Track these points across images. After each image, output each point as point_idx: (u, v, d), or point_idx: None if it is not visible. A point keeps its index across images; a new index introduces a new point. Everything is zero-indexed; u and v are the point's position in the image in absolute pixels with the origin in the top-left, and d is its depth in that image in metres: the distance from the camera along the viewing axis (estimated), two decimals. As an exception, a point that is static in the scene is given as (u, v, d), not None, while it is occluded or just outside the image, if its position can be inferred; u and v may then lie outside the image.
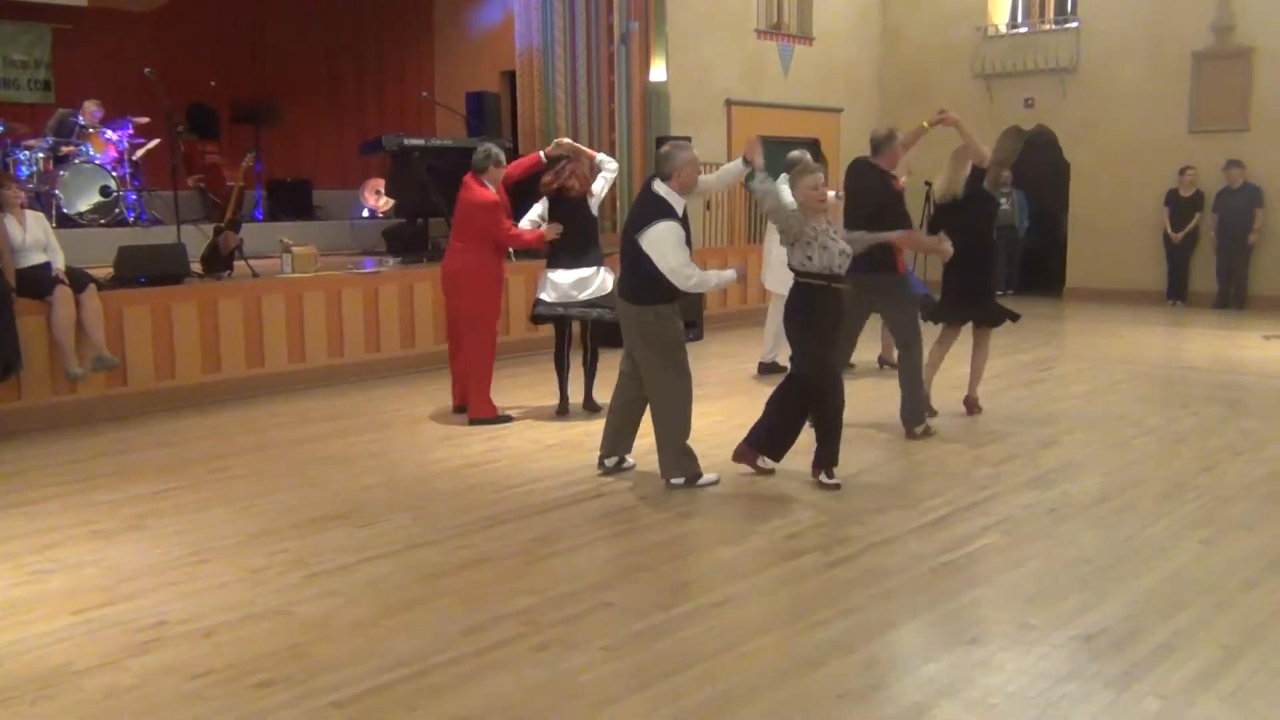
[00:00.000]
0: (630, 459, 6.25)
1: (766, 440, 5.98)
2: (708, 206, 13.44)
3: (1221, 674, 3.63)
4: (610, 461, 6.21)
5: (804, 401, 5.90)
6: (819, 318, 5.79)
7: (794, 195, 5.99)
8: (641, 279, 5.74)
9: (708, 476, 5.92)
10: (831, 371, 5.90)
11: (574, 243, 7.41)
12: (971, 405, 7.63)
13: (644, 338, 5.86)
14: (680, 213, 5.76)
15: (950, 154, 7.40)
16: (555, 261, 7.48)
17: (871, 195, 7.17)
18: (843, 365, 6.01)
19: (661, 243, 5.64)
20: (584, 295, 7.41)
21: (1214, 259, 13.71)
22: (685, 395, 5.90)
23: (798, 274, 5.79)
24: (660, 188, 5.76)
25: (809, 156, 8.91)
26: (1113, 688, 3.54)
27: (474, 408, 7.51)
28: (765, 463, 6.04)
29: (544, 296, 7.50)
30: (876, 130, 7.46)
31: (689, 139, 12.47)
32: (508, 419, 7.57)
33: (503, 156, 7.56)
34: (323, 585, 4.54)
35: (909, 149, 7.44)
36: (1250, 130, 13.52)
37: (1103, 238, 14.71)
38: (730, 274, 5.87)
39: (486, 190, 7.44)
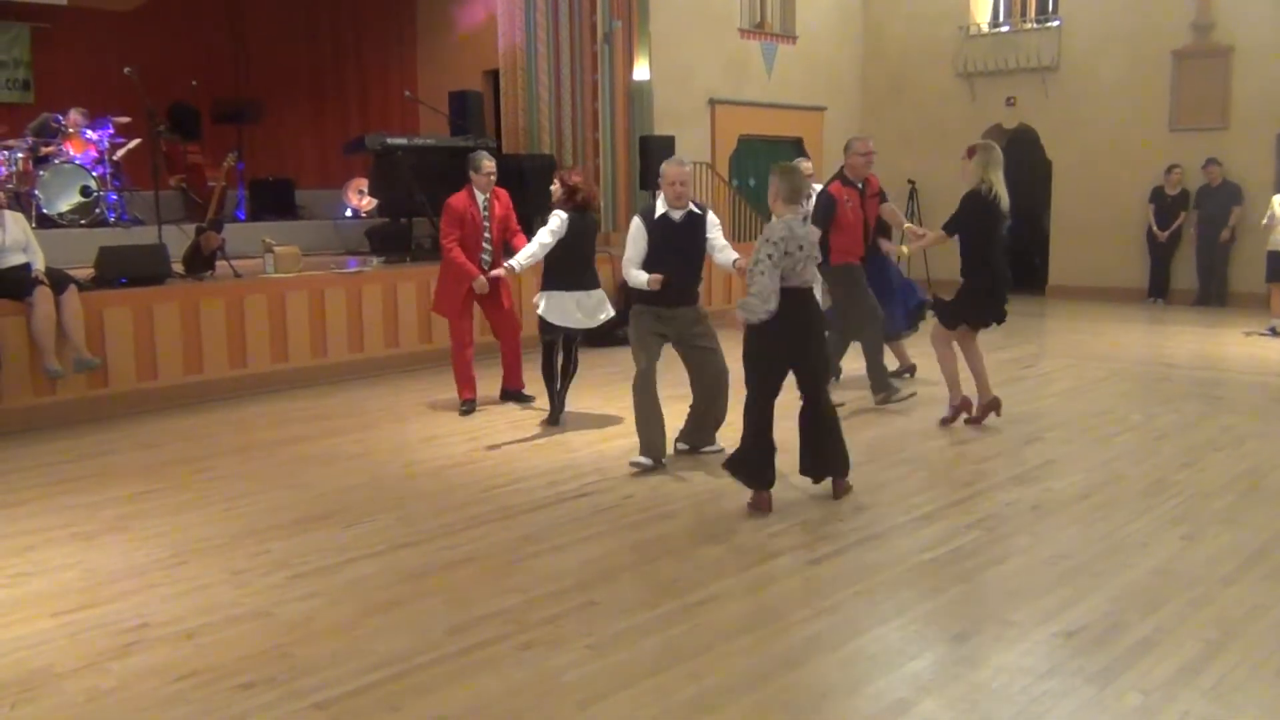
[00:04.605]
0: (716, 444, 6.57)
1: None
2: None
3: (1202, 669, 3.65)
4: (682, 447, 6.61)
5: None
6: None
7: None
8: None
9: (641, 460, 6.24)
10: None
11: (587, 261, 7.29)
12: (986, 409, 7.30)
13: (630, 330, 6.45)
14: (655, 215, 6.26)
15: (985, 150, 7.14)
16: (569, 283, 7.13)
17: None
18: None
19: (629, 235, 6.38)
20: (597, 319, 7.25)
21: (1194, 257, 13.81)
22: (640, 383, 6.27)
23: None
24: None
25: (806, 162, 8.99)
26: (1094, 683, 3.56)
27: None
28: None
29: (555, 320, 7.14)
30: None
31: (672, 138, 12.55)
32: (467, 409, 7.87)
33: (481, 161, 7.65)
34: (305, 586, 4.52)
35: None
36: (1229, 128, 13.61)
37: (1085, 236, 14.79)
38: (643, 278, 6.17)
39: (459, 194, 7.68)
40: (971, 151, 7.09)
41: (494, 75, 13.40)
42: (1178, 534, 5.05)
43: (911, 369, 8.84)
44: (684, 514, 5.48)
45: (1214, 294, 13.61)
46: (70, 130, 11.24)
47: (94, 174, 11.04)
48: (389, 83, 15.01)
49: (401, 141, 11.40)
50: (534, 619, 4.13)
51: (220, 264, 9.40)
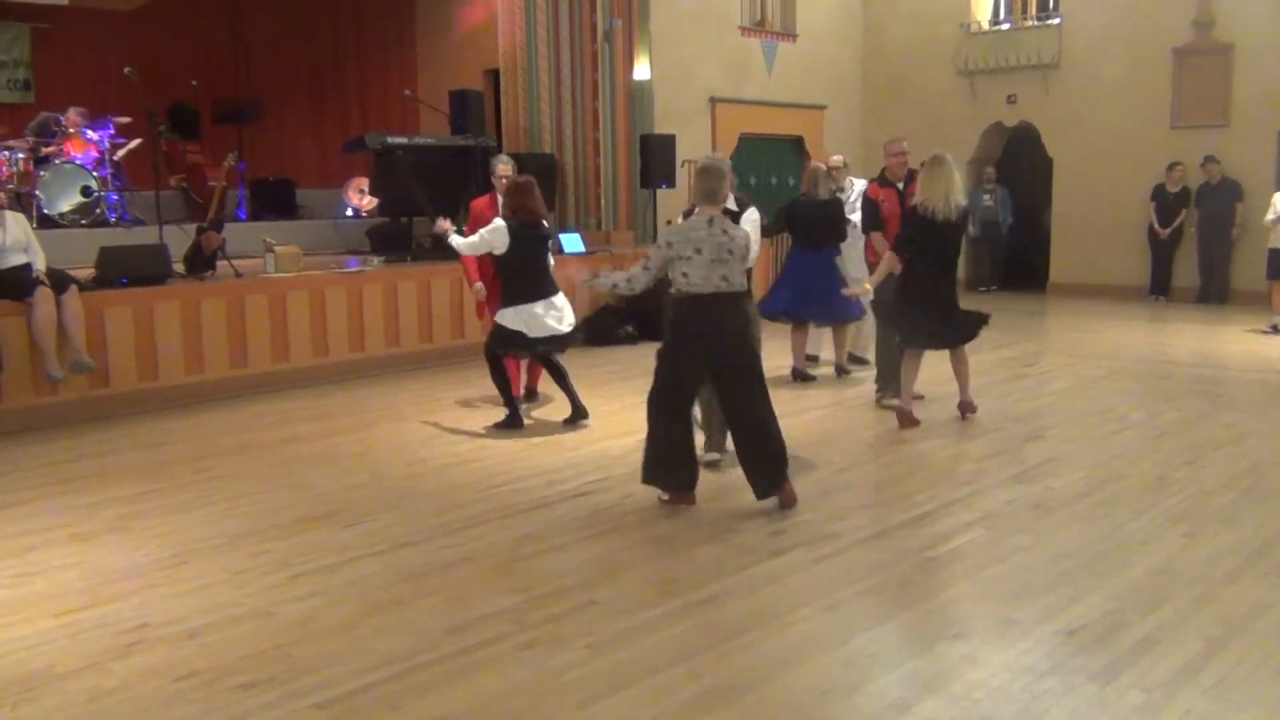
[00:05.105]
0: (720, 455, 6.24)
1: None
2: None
3: (1204, 666, 3.65)
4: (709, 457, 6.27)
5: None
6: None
7: None
8: None
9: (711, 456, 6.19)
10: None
11: (544, 270, 7.19)
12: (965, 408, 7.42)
13: None
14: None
15: (935, 163, 7.08)
16: (529, 294, 7.04)
17: None
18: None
19: None
20: (566, 322, 7.17)
21: (1196, 254, 13.80)
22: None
23: None
24: None
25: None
26: (1095, 681, 3.55)
27: None
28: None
29: (529, 331, 7.03)
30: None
31: (673, 137, 12.54)
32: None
33: (495, 165, 7.74)
34: (306, 586, 4.52)
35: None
36: (1230, 126, 13.61)
37: (1086, 233, 14.78)
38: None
39: (481, 197, 7.78)
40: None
41: (494, 74, 13.41)
42: (1179, 532, 5.04)
43: (868, 361, 8.98)
44: (684, 513, 5.47)
45: (1215, 291, 13.60)
46: (70, 130, 11.25)
47: (94, 174, 11.05)
48: (389, 82, 15.02)
49: (402, 141, 11.42)
50: (534, 619, 4.13)
51: (221, 264, 9.40)
